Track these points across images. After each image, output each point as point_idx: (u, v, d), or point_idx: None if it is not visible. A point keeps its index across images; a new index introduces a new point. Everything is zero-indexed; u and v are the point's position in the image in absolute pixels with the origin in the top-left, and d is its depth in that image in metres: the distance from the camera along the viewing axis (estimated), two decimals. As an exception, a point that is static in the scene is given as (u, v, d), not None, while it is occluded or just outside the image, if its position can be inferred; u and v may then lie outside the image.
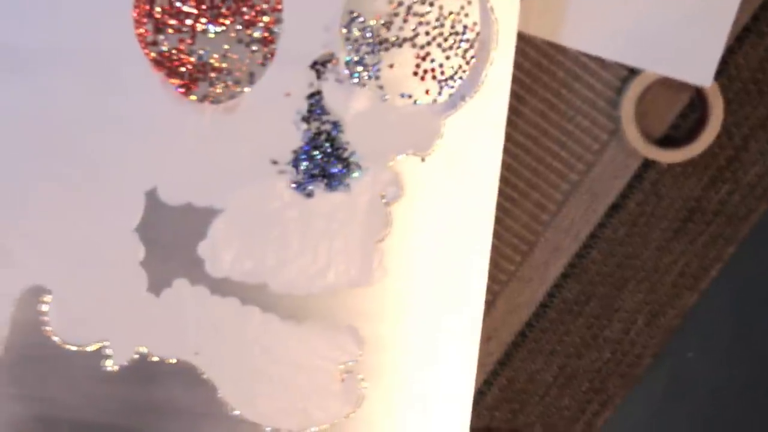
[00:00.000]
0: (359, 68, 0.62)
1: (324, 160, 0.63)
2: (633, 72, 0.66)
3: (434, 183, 0.64)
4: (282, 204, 0.63)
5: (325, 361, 0.64)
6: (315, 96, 0.63)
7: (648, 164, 0.67)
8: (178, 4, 0.60)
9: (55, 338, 0.63)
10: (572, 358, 0.68)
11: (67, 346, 0.63)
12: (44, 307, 0.63)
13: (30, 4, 0.61)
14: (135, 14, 0.60)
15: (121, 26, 0.62)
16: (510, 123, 0.65)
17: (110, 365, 0.63)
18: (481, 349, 0.66)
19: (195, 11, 0.61)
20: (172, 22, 0.61)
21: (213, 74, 0.61)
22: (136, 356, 0.64)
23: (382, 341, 0.65)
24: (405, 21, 0.62)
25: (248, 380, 0.64)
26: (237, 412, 0.64)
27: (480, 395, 0.66)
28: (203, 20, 0.61)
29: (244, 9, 0.61)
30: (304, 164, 0.63)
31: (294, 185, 0.63)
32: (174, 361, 0.64)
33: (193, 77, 0.61)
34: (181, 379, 0.64)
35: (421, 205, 0.64)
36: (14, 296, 0.62)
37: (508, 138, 0.65)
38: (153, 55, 0.61)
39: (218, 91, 0.62)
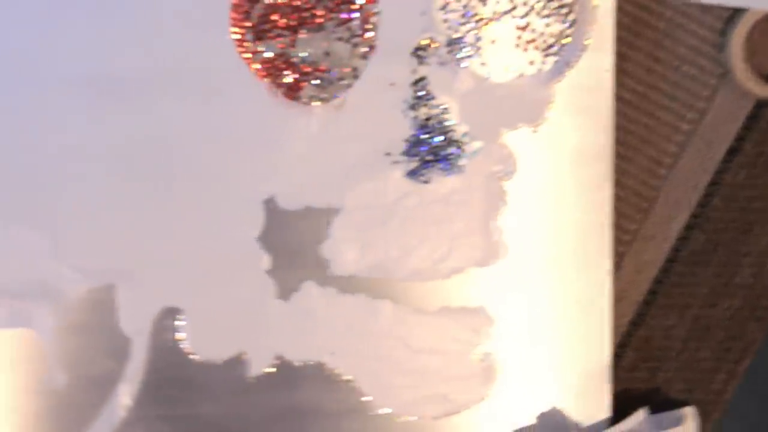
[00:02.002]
0: (460, 48, 0.61)
1: (436, 144, 0.62)
2: (736, 12, 0.64)
3: (547, 153, 0.63)
4: (399, 194, 0.63)
5: (459, 345, 0.64)
6: (420, 82, 0.62)
7: (761, 104, 0.66)
8: (273, 17, 0.59)
9: (193, 355, 0.63)
10: (705, 309, 0.67)
11: (206, 362, 0.63)
12: (179, 327, 0.62)
13: (126, 35, 0.61)
14: (233, 27, 0.59)
15: (219, 41, 0.61)
16: (616, 82, 0.63)
17: (250, 375, 0.63)
18: (613, 311, 0.64)
19: (291, 16, 0.60)
20: (271, 28, 0.60)
21: (317, 75, 0.61)
22: (274, 363, 0.63)
23: (513, 317, 0.64)
24: (501, -6, 0.61)
25: (386, 373, 0.64)
26: (379, 407, 0.63)
27: (617, 359, 0.66)
28: (301, 23, 0.60)
29: (340, 6, 0.60)
30: (416, 152, 0.62)
31: (409, 174, 0.62)
32: (311, 363, 0.63)
33: (297, 80, 0.61)
34: (320, 380, 0.64)
35: (536, 177, 0.64)
36: (148, 320, 0.62)
37: (617, 97, 0.63)
38: (256, 64, 0.60)
39: (324, 90, 0.61)
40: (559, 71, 0.62)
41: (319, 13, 0.60)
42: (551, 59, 0.62)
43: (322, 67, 0.61)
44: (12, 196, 0.61)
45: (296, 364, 0.64)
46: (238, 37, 0.60)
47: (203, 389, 0.63)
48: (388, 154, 0.63)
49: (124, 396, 0.62)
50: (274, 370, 0.64)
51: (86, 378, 0.62)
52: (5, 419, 0.61)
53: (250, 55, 0.61)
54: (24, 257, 0.61)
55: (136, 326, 0.63)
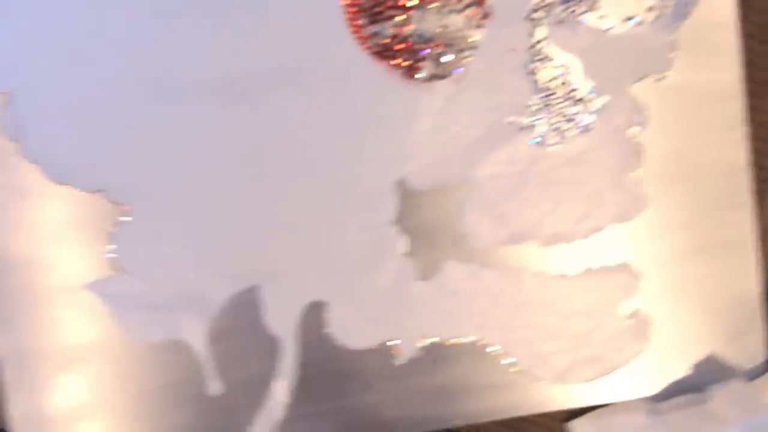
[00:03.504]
0: (575, 4, 0.60)
1: (562, 106, 0.61)
2: None
3: (676, 98, 0.62)
4: (529, 160, 0.62)
5: (607, 304, 0.63)
6: (538, 44, 0.60)
7: None
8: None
9: (343, 346, 0.63)
10: None
11: (356, 351, 0.63)
12: (326, 320, 0.62)
13: (242, 35, 0.61)
14: (347, 12, 0.59)
15: (333, 30, 0.60)
16: (740, 17, 0.62)
17: (400, 359, 0.63)
18: (759, 250, 0.63)
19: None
20: (384, 10, 0.59)
21: (434, 50, 0.60)
22: (423, 344, 0.63)
23: (658, 269, 0.63)
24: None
25: (537, 341, 0.63)
26: (534, 376, 0.63)
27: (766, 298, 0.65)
28: (413, 1, 0.59)
29: (451, -23, 0.59)
30: (543, 116, 0.61)
31: (537, 139, 0.61)
32: (460, 340, 0.63)
33: (416, 59, 0.60)
34: (471, 357, 0.64)
35: (667, 125, 0.62)
36: (295, 317, 0.62)
37: (742, 33, 0.62)
38: (372, 47, 0.60)
39: (442, 66, 0.60)
40: (679, 14, 0.60)
41: (431, -13, 0.59)
42: (671, 3, 0.60)
43: (439, 42, 0.60)
44: (151, 212, 0.61)
45: (445, 343, 0.63)
46: (352, 22, 0.59)
47: (356, 379, 0.63)
48: (513, 121, 0.61)
49: (281, 394, 0.62)
50: (423, 351, 0.63)
51: (240, 381, 0.62)
52: (167, 428, 0.62)
53: (365, 40, 0.60)
54: (168, 270, 0.61)
55: (283, 324, 0.63)
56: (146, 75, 0.60)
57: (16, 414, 0.61)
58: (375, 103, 0.61)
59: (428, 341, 0.63)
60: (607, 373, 0.64)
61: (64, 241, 0.61)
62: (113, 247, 0.61)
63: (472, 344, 0.63)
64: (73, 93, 0.60)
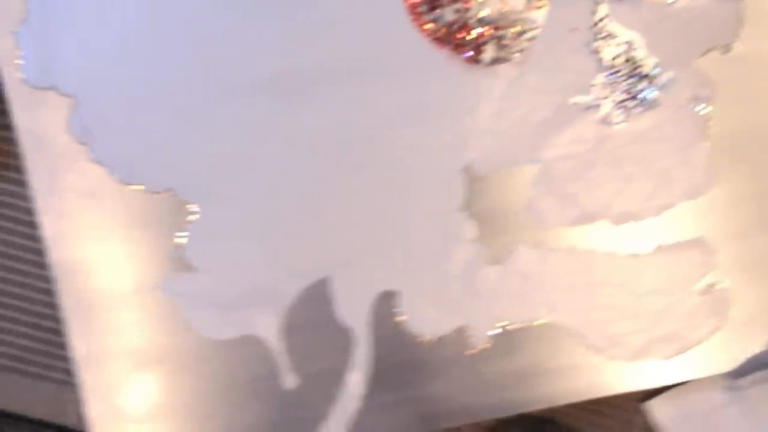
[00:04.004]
0: (637, -21, 0.59)
1: (627, 83, 0.60)
2: None
3: (743, 70, 0.61)
4: (596, 140, 0.61)
5: (682, 281, 0.63)
6: (601, 22, 0.60)
7: None
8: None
9: (416, 336, 0.62)
10: None
11: (429, 340, 0.62)
12: (398, 309, 0.62)
13: (301, 30, 0.61)
14: (407, 1, 0.59)
15: (394, 19, 0.60)
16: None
17: (474, 346, 0.62)
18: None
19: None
20: (445, -5, 0.59)
21: (496, 34, 0.59)
22: (495, 330, 0.63)
23: (731, 244, 0.63)
24: None
25: (612, 322, 0.63)
26: (611, 357, 0.62)
27: None
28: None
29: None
30: (607, 93, 0.60)
31: (603, 117, 0.61)
32: (533, 324, 0.62)
33: (477, 43, 0.59)
34: (543, 340, 0.63)
35: (734, 98, 0.61)
36: (367, 308, 0.62)
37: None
38: (433, 34, 0.59)
39: (505, 49, 0.59)
40: (743, -16, 0.59)
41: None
42: (734, -28, 0.59)
43: (500, 25, 0.60)
44: (218, 209, 0.61)
45: (518, 327, 0.63)
46: (413, 10, 0.59)
47: (430, 368, 0.63)
48: (578, 101, 0.61)
49: (355, 386, 0.62)
50: (496, 337, 0.63)
51: (315, 374, 0.62)
52: (242, 425, 0.62)
53: (426, 27, 0.59)
54: (239, 267, 0.61)
55: (355, 316, 0.63)
56: (210, 74, 0.60)
57: (93, 415, 0.61)
58: (438, 90, 0.61)
59: (501, 326, 0.62)
60: (685, 351, 0.63)
61: (134, 241, 0.61)
62: (183, 245, 0.60)
63: (545, 327, 0.63)
64: (139, 94, 0.60)
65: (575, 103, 0.61)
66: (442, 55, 0.61)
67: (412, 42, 0.60)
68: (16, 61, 0.60)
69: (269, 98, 0.60)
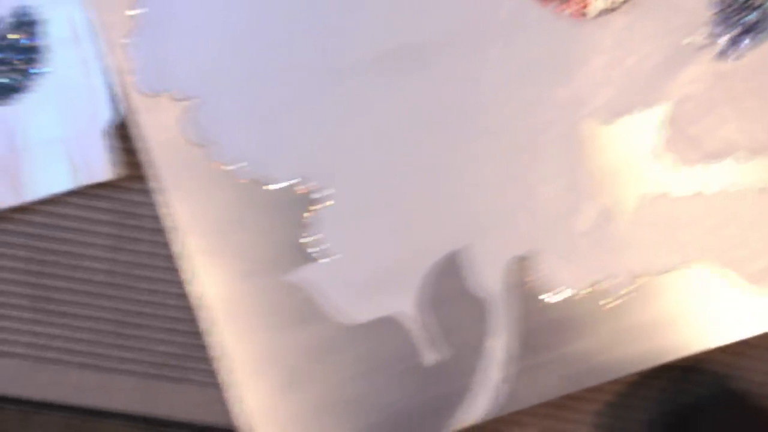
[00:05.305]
0: None
1: (739, 16, 0.59)
2: None
3: None
4: (714, 79, 0.61)
5: None
6: (707, -44, 0.59)
7: None
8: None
9: (551, 296, 0.62)
10: None
11: (566, 300, 0.62)
12: (531, 272, 0.62)
13: (407, 2, 0.60)
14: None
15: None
16: None
17: (611, 300, 0.62)
18: None
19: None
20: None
21: (600, -15, 0.59)
22: (631, 281, 0.62)
23: None
24: None
25: (752, 258, 0.63)
26: (753, 294, 0.61)
27: None
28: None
29: None
30: (720, 30, 0.59)
31: (719, 55, 0.60)
32: (669, 271, 0.62)
33: (584, -4, 0.59)
34: (681, 286, 0.64)
35: None
36: (500, 274, 0.63)
37: None
38: (539, -10, 0.59)
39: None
40: None
41: None
42: None
43: (604, -25, 0.59)
44: (345, 193, 0.61)
45: (654, 276, 0.62)
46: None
47: (569, 327, 0.63)
48: (691, 41, 0.60)
49: (497, 354, 0.62)
50: (632, 288, 0.62)
51: (455, 347, 0.62)
52: (391, 406, 0.62)
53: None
54: (369, 249, 0.62)
55: (489, 284, 0.63)
56: (322, 59, 0.61)
57: (245, 413, 0.61)
58: (548, 47, 0.61)
59: (636, 277, 0.62)
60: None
61: (264, 234, 0.62)
62: (313, 233, 0.61)
63: (681, 274, 0.62)
64: (253, 88, 0.61)
65: (688, 44, 0.60)
66: (548, 10, 0.60)
67: (518, 1, 0.60)
68: (130, 72, 0.60)
69: (383, 75, 0.61)
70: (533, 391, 0.63)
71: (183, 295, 0.63)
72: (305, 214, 0.62)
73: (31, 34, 0.61)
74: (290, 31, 0.61)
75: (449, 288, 0.62)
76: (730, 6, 0.60)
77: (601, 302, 0.63)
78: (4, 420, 0.64)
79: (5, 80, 0.61)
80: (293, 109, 0.61)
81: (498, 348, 0.62)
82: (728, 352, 0.64)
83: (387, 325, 0.62)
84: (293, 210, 0.62)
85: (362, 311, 0.62)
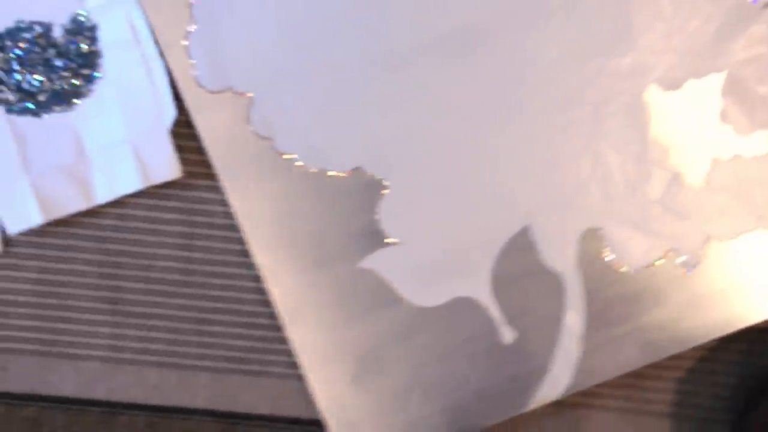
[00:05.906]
0: None
1: (802, -28, 0.58)
2: None
3: None
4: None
5: None
6: None
7: None
8: None
9: (626, 267, 0.62)
10: None
11: (636, 270, 0.62)
12: (603, 245, 0.62)
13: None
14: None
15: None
16: None
17: (686, 267, 0.62)
18: None
19: None
20: None
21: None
22: (705, 247, 0.62)
23: None
24: None
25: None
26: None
27: None
28: None
29: None
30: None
31: (782, 12, 0.59)
32: (742, 235, 0.61)
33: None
34: (756, 250, 0.64)
35: None
36: (571, 248, 0.62)
37: None
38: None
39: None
40: None
41: None
42: None
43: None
44: (406, 178, 0.61)
45: (727, 241, 0.62)
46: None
47: (645, 297, 0.63)
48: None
49: (574, 328, 0.62)
50: (706, 254, 0.62)
51: (532, 325, 0.62)
52: (471, 388, 0.62)
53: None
54: (435, 233, 0.62)
55: (562, 259, 0.63)
56: (378, 47, 0.60)
57: (323, 401, 0.61)
58: (608, 16, 0.60)
59: (711, 242, 0.61)
60: None
61: (332, 223, 0.62)
62: (380, 220, 0.61)
63: (756, 236, 0.62)
64: (312, 79, 0.61)
65: (751, 3, 0.59)
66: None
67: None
68: (190, 70, 0.60)
69: (439, 59, 0.61)
70: (613, 363, 0.62)
71: (258, 289, 0.63)
72: (372, 201, 0.61)
73: (91, 39, 0.61)
74: (345, 20, 0.61)
75: (523, 265, 0.62)
76: (792, -39, 0.59)
77: (677, 270, 0.62)
78: (88, 422, 0.64)
79: (68, 86, 0.61)
80: (351, 98, 0.61)
81: (576, 322, 0.62)
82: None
83: (462, 305, 0.62)
84: (360, 197, 0.62)
85: (437, 294, 0.62)
